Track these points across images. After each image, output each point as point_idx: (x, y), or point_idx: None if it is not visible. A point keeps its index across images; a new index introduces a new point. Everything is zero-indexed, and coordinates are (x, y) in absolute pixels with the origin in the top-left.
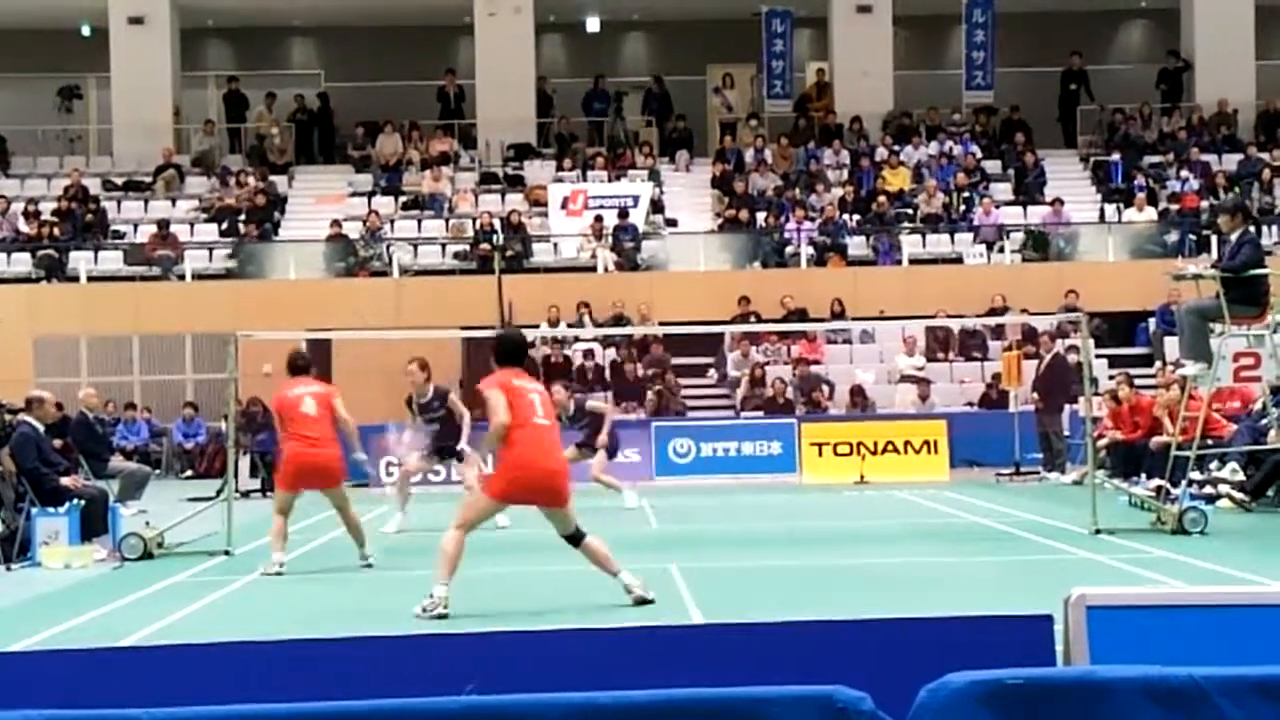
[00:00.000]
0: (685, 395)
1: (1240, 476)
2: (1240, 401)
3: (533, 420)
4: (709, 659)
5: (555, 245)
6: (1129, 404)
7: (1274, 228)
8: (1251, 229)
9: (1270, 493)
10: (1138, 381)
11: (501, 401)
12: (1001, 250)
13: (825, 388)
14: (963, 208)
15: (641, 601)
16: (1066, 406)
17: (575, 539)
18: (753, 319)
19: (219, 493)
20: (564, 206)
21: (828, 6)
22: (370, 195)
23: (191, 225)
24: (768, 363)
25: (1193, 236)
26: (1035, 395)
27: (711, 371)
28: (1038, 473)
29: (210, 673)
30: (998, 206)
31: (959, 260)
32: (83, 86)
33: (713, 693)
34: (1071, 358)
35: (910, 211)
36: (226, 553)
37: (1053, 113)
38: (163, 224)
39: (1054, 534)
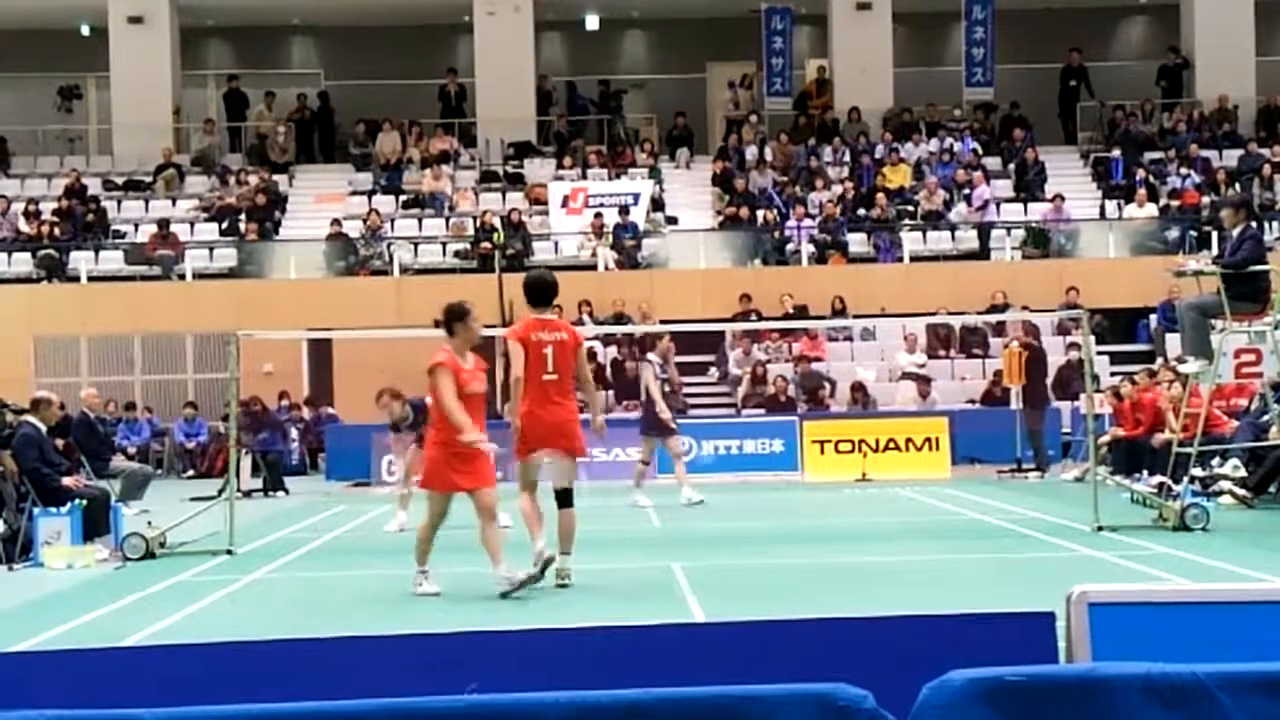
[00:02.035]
0: (686, 393)
1: (1242, 473)
2: (1248, 398)
3: (542, 377)
4: (711, 657)
5: (556, 244)
6: (1130, 400)
7: (1274, 223)
8: (1254, 225)
9: (1272, 489)
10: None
11: (519, 356)
12: (987, 235)
13: (827, 385)
14: (963, 204)
15: (534, 579)
16: (1054, 404)
17: (563, 500)
18: (754, 316)
19: (221, 492)
20: (564, 205)
21: (827, 4)
22: (370, 194)
23: (192, 225)
24: (769, 360)
25: (1193, 233)
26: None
27: (713, 369)
28: (1038, 470)
29: (213, 672)
30: (989, 181)
31: (978, 257)
32: (82, 86)
33: (714, 691)
34: (1073, 355)
35: (911, 209)
36: (229, 552)
37: (1053, 109)
38: (163, 223)
39: (1056, 531)
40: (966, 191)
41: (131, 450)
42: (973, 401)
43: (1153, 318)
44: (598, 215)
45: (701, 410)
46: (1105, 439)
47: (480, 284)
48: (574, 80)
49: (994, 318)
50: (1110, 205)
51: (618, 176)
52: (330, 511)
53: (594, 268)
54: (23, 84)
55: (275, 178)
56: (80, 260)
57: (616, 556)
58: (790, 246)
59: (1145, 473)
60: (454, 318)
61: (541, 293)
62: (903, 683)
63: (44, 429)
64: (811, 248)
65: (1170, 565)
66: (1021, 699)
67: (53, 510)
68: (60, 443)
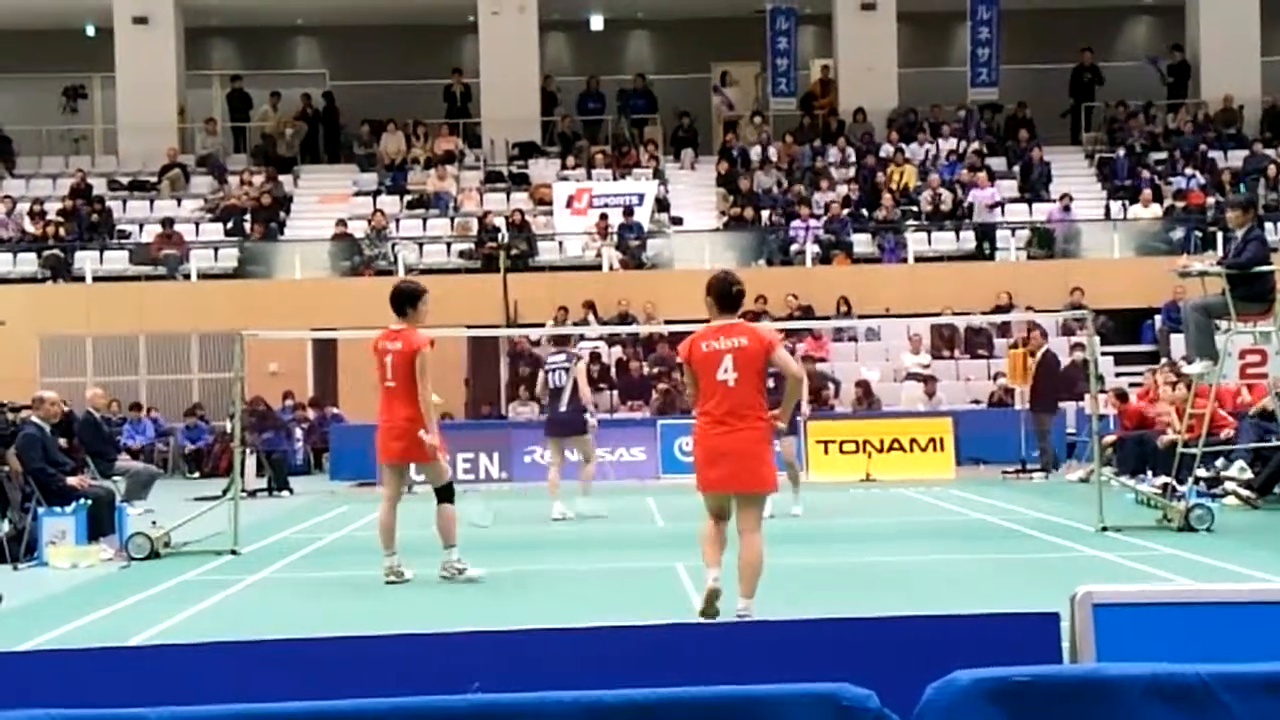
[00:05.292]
0: (691, 393)
1: (1248, 475)
2: (1255, 399)
3: (384, 384)
4: (715, 657)
5: (560, 244)
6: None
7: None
8: (1259, 225)
9: (1276, 490)
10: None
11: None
12: (992, 239)
13: (831, 386)
14: (968, 204)
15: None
16: (1061, 405)
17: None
18: (765, 318)
19: (225, 492)
20: (569, 205)
21: (832, 3)
22: (375, 194)
23: (197, 225)
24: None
25: (1198, 233)
26: (1029, 393)
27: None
28: (1043, 471)
29: (217, 672)
30: (993, 181)
31: (983, 257)
32: (87, 86)
33: (718, 691)
34: (1077, 355)
35: (915, 209)
36: (233, 552)
37: (1057, 109)
38: (168, 223)
39: (1060, 531)
40: (970, 199)
41: (135, 449)
42: (978, 402)
43: (1157, 318)
44: (602, 215)
45: None
46: (1110, 439)
47: (484, 284)
48: (591, 79)
49: (999, 318)
50: (1115, 205)
51: (622, 177)
52: (335, 511)
53: (598, 268)
54: (28, 84)
55: (280, 178)
56: (85, 260)
57: (620, 556)
58: (795, 247)
59: (1150, 473)
60: None
61: (393, 304)
62: (907, 683)
63: (47, 428)
64: (816, 248)
65: (1174, 566)
66: (1025, 699)
67: (57, 510)
68: (65, 442)
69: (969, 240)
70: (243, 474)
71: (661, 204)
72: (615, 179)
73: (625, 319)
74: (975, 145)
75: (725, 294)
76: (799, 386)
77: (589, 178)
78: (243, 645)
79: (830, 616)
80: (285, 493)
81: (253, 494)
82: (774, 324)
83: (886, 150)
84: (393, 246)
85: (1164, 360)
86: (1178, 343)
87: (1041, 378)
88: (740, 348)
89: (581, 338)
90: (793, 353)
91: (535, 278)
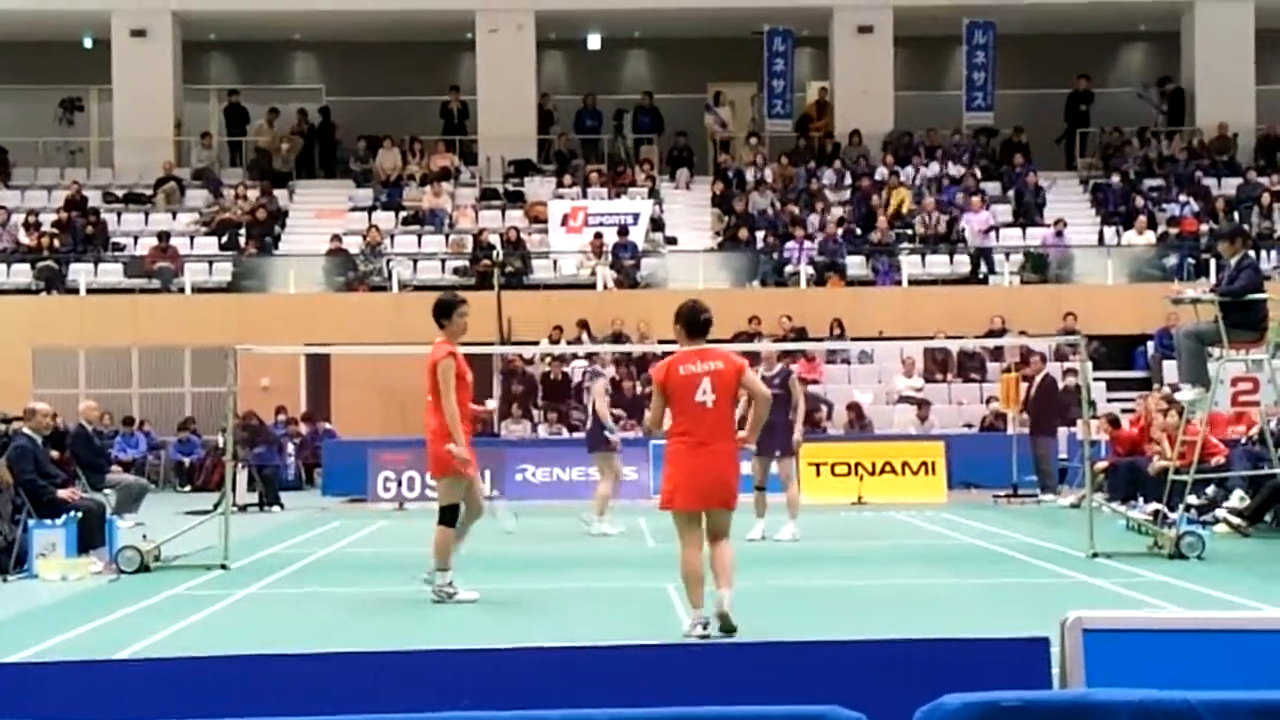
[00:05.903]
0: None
1: (1247, 503)
2: (1245, 426)
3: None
4: (705, 678)
5: (555, 262)
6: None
7: (1273, 252)
8: (1251, 254)
9: (1267, 518)
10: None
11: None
12: (990, 263)
13: (823, 408)
14: (963, 228)
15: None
16: (1059, 430)
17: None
18: (759, 339)
19: (216, 506)
20: (564, 223)
21: (829, 26)
22: (371, 210)
23: (191, 238)
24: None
25: (1191, 260)
26: (1025, 418)
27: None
28: (1035, 495)
29: (205, 686)
30: (987, 206)
31: (977, 281)
32: (84, 98)
33: (709, 711)
34: (1070, 381)
35: (910, 232)
36: (223, 566)
37: (1052, 135)
38: (163, 236)
39: (1051, 557)
40: (964, 224)
41: (127, 462)
42: (970, 426)
43: (1150, 345)
44: (597, 234)
45: None
46: (1101, 465)
47: (478, 302)
48: (588, 97)
49: (992, 342)
50: (1109, 231)
51: (618, 196)
52: (326, 527)
53: (593, 287)
54: (25, 95)
55: (276, 192)
56: (80, 272)
57: (611, 576)
58: (789, 268)
59: (1141, 500)
60: None
61: (437, 313)
62: (896, 706)
63: (39, 439)
64: (810, 270)
65: (1165, 593)
66: None
67: (48, 522)
68: (56, 454)
69: (963, 264)
70: (234, 488)
71: (656, 223)
72: (611, 198)
73: (619, 338)
74: (972, 169)
75: (694, 321)
76: (766, 407)
77: (584, 196)
78: (231, 660)
79: (821, 639)
80: (276, 508)
81: (244, 509)
82: (766, 345)
83: (881, 173)
84: (387, 262)
85: (1156, 386)
86: (1170, 369)
87: (1040, 402)
88: (717, 371)
89: (575, 356)
90: (789, 375)
91: (529, 296)
